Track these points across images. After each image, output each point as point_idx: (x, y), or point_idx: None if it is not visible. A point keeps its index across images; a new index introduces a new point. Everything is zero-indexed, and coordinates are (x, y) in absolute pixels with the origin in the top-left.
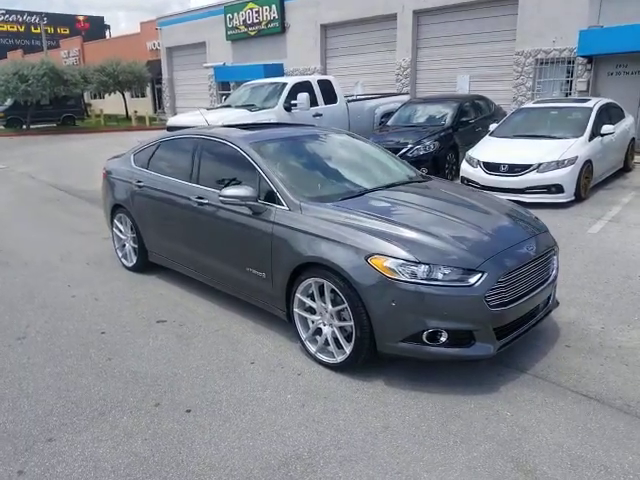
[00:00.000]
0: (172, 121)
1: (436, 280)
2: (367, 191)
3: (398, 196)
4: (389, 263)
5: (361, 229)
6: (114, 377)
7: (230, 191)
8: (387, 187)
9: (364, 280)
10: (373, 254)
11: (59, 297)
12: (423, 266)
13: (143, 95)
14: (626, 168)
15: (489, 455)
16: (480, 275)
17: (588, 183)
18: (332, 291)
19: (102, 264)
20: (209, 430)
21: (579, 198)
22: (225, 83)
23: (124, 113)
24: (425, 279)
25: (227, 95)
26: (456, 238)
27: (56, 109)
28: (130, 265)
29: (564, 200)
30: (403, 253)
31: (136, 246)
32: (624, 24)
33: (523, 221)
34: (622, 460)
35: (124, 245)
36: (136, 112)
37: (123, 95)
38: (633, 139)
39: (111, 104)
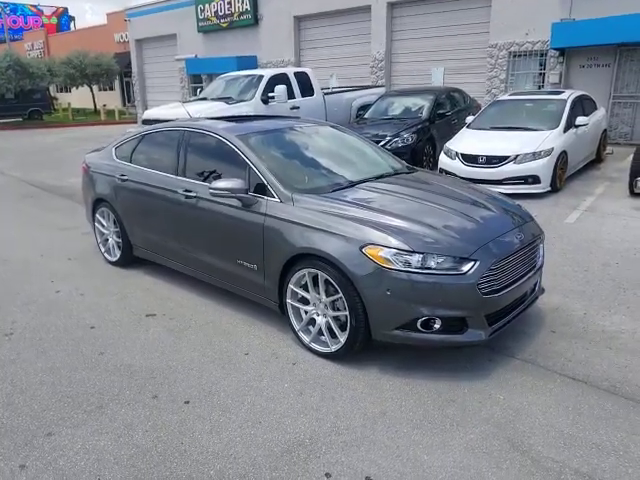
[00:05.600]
0: (148, 114)
1: (430, 269)
2: (357, 182)
3: (388, 187)
4: (384, 252)
5: (354, 219)
6: (108, 371)
7: (220, 184)
8: (376, 178)
9: (359, 270)
10: (367, 244)
11: (43, 293)
12: (417, 255)
13: (111, 88)
14: (598, 159)
15: (485, 437)
16: (473, 263)
17: (563, 174)
18: (326, 281)
19: (84, 259)
20: (209, 420)
21: (555, 189)
22: (197, 76)
23: (92, 107)
24: (419, 268)
25: (200, 88)
26: (448, 227)
27: (22, 103)
28: (114, 260)
29: (541, 191)
30: (397, 242)
31: (120, 240)
32: (595, 17)
33: (510, 210)
34: (612, 438)
35: (107, 240)
36: (105, 106)
37: (91, 88)
38: (605, 130)
39: (78, 97)
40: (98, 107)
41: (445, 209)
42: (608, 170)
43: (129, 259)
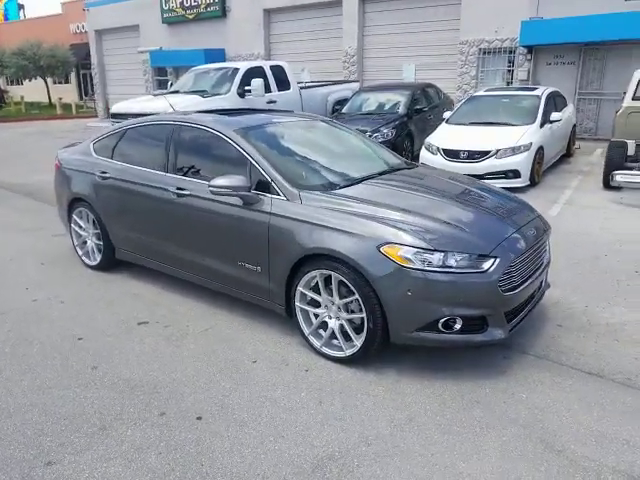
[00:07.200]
0: (118, 108)
1: (451, 267)
2: (364, 179)
3: (396, 183)
4: (403, 251)
5: (368, 217)
6: (105, 387)
7: (221, 181)
8: (380, 174)
9: (377, 270)
10: (385, 243)
11: (19, 302)
12: (438, 253)
13: (67, 81)
14: (568, 154)
15: (518, 438)
16: (493, 260)
17: (540, 168)
18: (339, 282)
19: (59, 263)
20: (227, 437)
21: (533, 183)
22: (161, 69)
23: (47, 100)
24: (440, 266)
25: (170, 81)
26: (465, 224)
27: None
28: (93, 264)
29: (521, 185)
30: (416, 241)
31: (100, 243)
32: (562, 16)
33: (519, 205)
34: None
35: (85, 242)
36: (61, 99)
37: (45, 81)
38: (574, 126)
39: (31, 91)
40: (53, 101)
41: (459, 205)
42: (579, 164)
43: (111, 262)
